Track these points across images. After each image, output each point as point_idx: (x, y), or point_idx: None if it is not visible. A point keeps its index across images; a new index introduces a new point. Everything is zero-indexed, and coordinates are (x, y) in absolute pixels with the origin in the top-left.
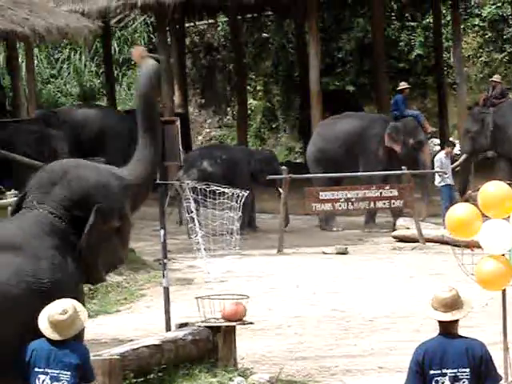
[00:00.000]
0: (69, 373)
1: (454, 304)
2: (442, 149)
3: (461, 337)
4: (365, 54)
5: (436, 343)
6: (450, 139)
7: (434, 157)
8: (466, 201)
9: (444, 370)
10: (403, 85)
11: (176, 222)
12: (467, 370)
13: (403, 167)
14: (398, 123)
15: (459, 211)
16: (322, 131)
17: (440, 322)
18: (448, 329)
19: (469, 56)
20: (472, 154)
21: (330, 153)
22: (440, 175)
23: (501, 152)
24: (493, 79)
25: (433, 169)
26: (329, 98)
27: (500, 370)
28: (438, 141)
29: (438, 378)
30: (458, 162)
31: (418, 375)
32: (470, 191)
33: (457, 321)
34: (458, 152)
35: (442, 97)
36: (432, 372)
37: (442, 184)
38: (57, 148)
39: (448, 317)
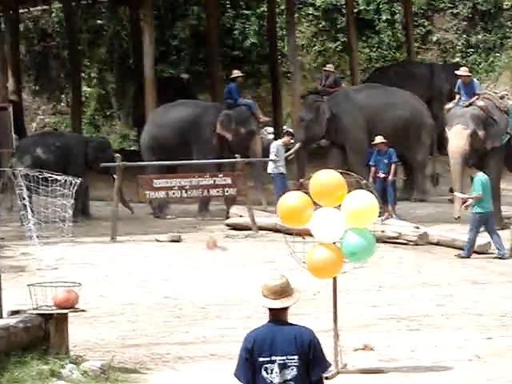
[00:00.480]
0: None
1: (283, 291)
2: (277, 137)
3: (290, 324)
4: (199, 41)
5: (265, 330)
6: (287, 128)
7: (268, 145)
8: (299, 189)
9: (273, 358)
10: (236, 73)
11: (8, 208)
12: (295, 357)
13: (236, 155)
14: (231, 111)
15: (290, 200)
16: (156, 119)
17: (270, 309)
18: (278, 316)
19: (303, 45)
20: (306, 143)
21: (164, 140)
22: (274, 163)
23: (334, 141)
24: (326, 68)
25: (267, 157)
26: (163, 86)
27: (330, 357)
28: (271, 129)
29: (268, 365)
30: (291, 151)
31: (247, 362)
32: (301, 180)
33: (286, 308)
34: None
35: (275, 85)
36: (261, 359)
37: (276, 172)
38: None
39: (277, 304)
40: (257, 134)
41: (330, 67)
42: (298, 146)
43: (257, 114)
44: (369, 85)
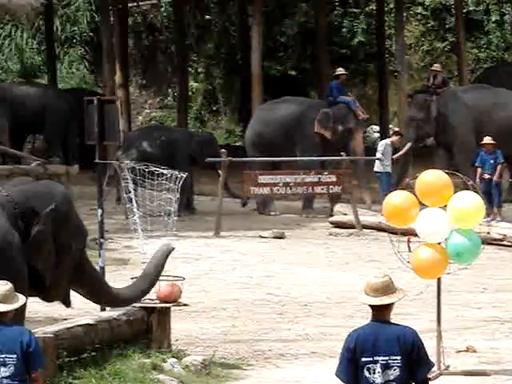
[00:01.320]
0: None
1: (385, 289)
2: (383, 136)
3: (393, 324)
4: (307, 39)
5: (368, 330)
6: (395, 128)
7: (374, 143)
8: (404, 189)
9: (376, 358)
10: (340, 71)
11: (116, 201)
12: (398, 357)
13: (342, 153)
14: (329, 110)
15: (396, 199)
16: (261, 115)
17: (372, 308)
18: (380, 315)
19: (410, 44)
20: (416, 142)
21: (268, 137)
22: (381, 162)
23: (441, 140)
24: (433, 68)
25: (371, 155)
26: (270, 82)
27: (433, 358)
28: (377, 128)
29: (370, 366)
30: (402, 151)
31: (350, 362)
32: (407, 179)
33: (389, 307)
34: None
35: (382, 84)
36: (364, 359)
37: (382, 170)
38: None
39: (377, 301)
40: (356, 132)
41: (437, 67)
42: (409, 145)
43: (356, 111)
44: (477, 85)
